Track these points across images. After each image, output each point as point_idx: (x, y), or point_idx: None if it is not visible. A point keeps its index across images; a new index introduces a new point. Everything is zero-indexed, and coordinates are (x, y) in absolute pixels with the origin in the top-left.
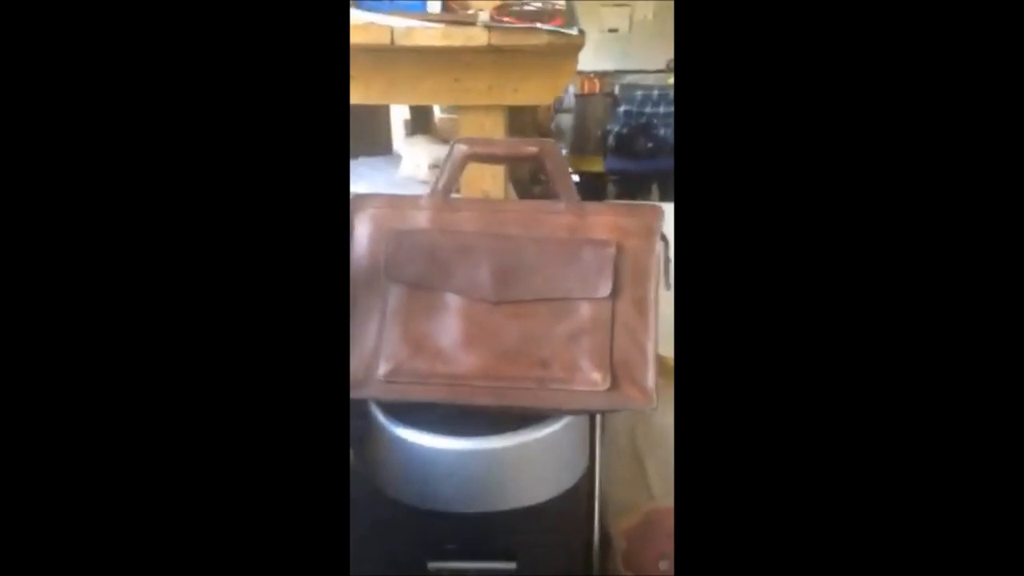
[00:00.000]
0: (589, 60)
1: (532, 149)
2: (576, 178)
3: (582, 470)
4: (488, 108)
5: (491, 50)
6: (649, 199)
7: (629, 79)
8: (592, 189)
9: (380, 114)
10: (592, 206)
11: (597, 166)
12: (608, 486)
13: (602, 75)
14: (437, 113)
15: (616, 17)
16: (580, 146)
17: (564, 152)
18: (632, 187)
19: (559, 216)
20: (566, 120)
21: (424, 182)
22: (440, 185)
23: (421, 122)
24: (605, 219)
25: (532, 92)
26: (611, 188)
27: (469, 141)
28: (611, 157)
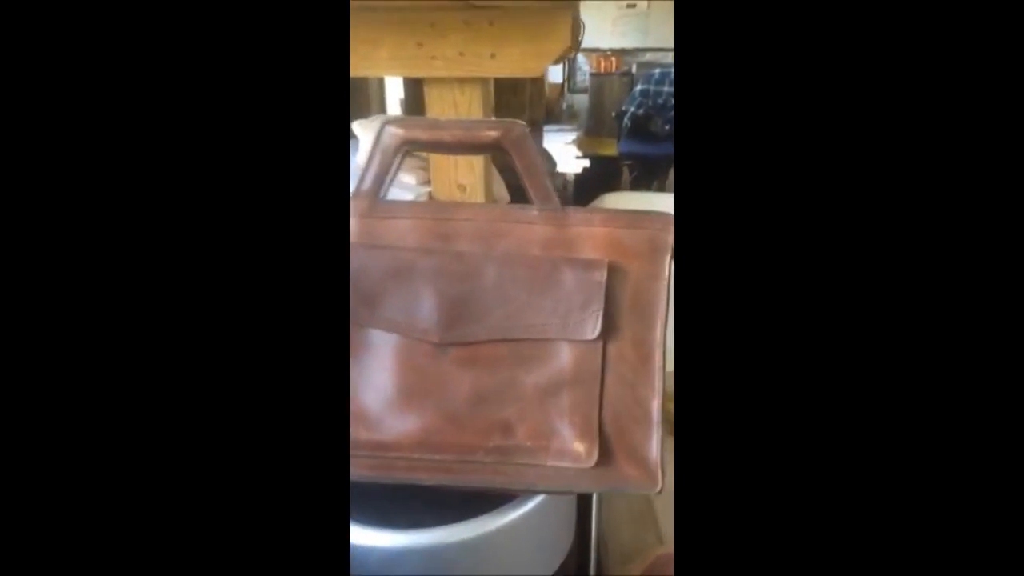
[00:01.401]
0: (606, 37)
1: (491, 133)
2: (587, 162)
3: (568, 546)
4: (461, 81)
5: (462, 7)
6: (665, 188)
7: (647, 57)
8: (605, 174)
9: (372, 90)
10: (578, 213)
11: (614, 149)
12: (612, 530)
13: (619, 53)
14: None
15: None
16: (596, 128)
17: (579, 135)
18: (648, 173)
19: (531, 226)
20: (581, 100)
21: None
22: (367, 184)
23: (414, 100)
24: (595, 231)
25: (514, 61)
26: (626, 174)
27: (404, 123)
28: (626, 140)
